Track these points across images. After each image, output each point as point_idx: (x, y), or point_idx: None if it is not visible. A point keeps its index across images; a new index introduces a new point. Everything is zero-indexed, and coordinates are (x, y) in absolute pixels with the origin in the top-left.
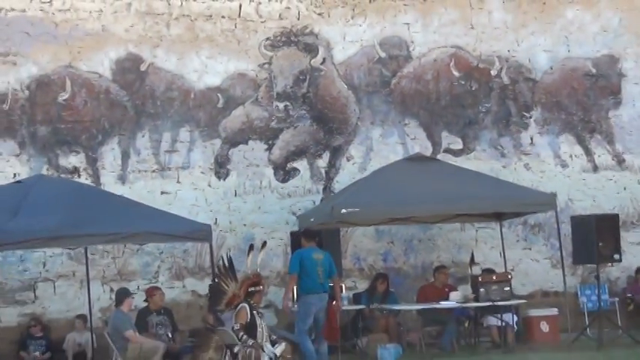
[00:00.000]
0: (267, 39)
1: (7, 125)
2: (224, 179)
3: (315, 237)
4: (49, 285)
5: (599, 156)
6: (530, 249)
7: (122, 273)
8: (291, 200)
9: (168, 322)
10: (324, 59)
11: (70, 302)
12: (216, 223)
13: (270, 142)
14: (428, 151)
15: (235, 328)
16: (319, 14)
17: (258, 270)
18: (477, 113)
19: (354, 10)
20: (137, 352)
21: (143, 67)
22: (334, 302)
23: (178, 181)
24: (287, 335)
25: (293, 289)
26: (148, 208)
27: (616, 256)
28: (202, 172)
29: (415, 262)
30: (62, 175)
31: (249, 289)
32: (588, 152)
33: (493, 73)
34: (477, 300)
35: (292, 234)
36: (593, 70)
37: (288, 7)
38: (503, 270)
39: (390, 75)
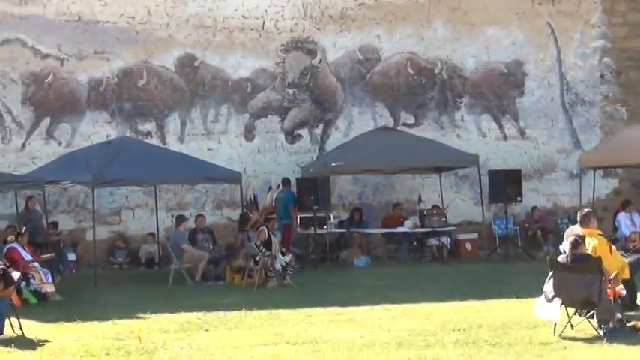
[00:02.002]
0: (282, 45)
1: (102, 102)
2: (251, 141)
3: (287, 183)
4: (129, 212)
5: (507, 130)
6: (459, 192)
7: (180, 204)
8: (297, 156)
9: (211, 239)
10: (320, 60)
11: (143, 224)
12: (244, 171)
13: (283, 116)
14: (391, 125)
15: (257, 243)
16: (318, 28)
17: (273, 203)
18: (424, 99)
19: (341, 26)
20: (189, 259)
21: (196, 64)
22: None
23: (219, 142)
24: (293, 249)
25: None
26: (197, 160)
27: (518, 198)
28: (236, 136)
29: (380, 200)
30: (140, 137)
31: (267, 217)
32: (500, 127)
33: (436, 71)
34: (422, 227)
35: (297, 180)
36: (505, 71)
37: (297, 24)
38: (441, 207)
39: (366, 71)
